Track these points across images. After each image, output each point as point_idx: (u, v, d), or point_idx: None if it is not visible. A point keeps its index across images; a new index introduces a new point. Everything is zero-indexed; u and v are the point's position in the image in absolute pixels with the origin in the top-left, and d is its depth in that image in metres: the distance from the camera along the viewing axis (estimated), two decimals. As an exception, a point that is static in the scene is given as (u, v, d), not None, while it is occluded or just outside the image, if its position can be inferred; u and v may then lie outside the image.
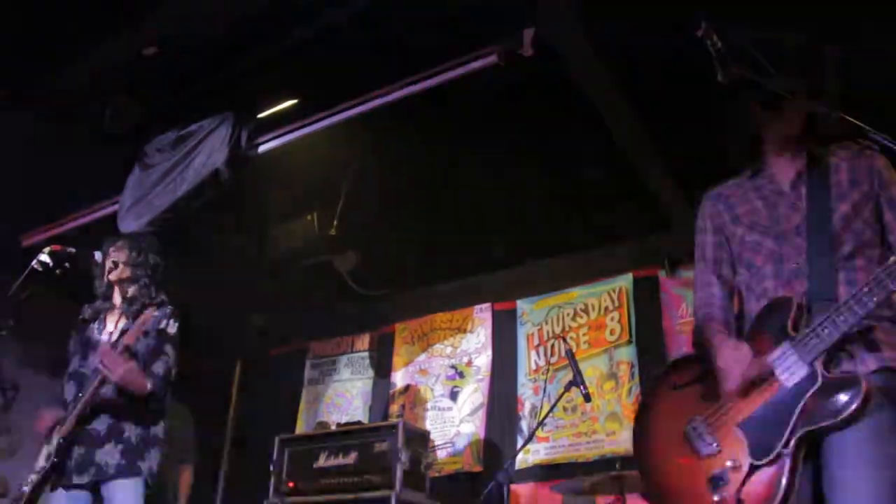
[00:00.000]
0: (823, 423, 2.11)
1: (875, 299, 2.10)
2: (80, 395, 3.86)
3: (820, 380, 2.15)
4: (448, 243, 6.36)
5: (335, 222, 5.89)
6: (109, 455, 3.81)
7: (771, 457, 2.15)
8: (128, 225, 5.08)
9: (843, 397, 2.09)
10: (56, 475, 3.79)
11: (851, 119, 2.16)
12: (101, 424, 3.86)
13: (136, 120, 4.94)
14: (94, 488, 3.81)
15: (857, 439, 2.10)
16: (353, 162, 5.55)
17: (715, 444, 2.30)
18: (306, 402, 7.59)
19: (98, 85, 4.68)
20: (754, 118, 2.53)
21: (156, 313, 4.01)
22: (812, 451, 2.18)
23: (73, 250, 4.03)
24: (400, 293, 7.29)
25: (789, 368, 2.21)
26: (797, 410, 2.15)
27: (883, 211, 2.37)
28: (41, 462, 3.87)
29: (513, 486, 5.92)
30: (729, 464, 2.22)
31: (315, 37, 4.35)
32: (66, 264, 4.02)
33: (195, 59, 4.51)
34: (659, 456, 2.47)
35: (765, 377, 2.27)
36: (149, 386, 3.84)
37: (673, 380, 2.55)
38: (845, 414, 2.07)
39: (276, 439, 5.98)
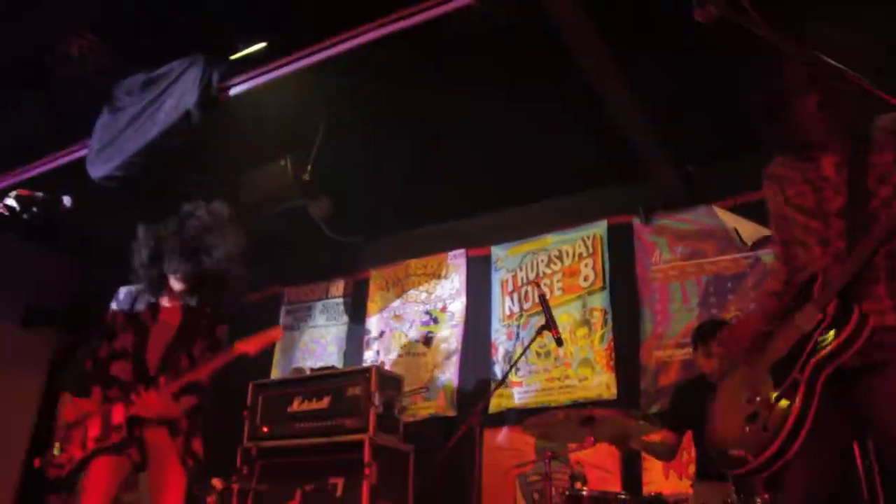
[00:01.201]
0: (824, 351, 2.36)
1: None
2: (142, 379, 3.95)
3: (827, 318, 2.38)
4: (423, 189, 6.33)
5: (309, 167, 5.83)
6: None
7: (788, 383, 2.40)
8: (97, 169, 5.01)
9: (842, 329, 2.34)
10: (112, 447, 3.88)
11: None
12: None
13: (104, 62, 4.82)
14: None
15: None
16: (327, 106, 5.48)
17: (751, 391, 2.55)
18: (281, 349, 7.59)
19: (64, 25, 4.56)
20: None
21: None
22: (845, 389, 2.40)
23: (41, 194, 3.94)
24: (374, 239, 7.28)
25: (808, 317, 2.44)
26: (810, 344, 2.40)
27: None
28: (95, 432, 3.92)
29: (486, 431, 5.98)
30: (758, 399, 2.49)
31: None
32: (34, 209, 3.93)
33: (163, -1, 4.41)
34: (719, 410, 2.74)
35: (792, 332, 2.49)
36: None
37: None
38: (841, 343, 2.33)
39: (250, 385, 6.00)
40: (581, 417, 4.23)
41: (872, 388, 2.36)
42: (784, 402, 2.40)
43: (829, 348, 2.34)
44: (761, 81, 2.62)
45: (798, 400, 2.36)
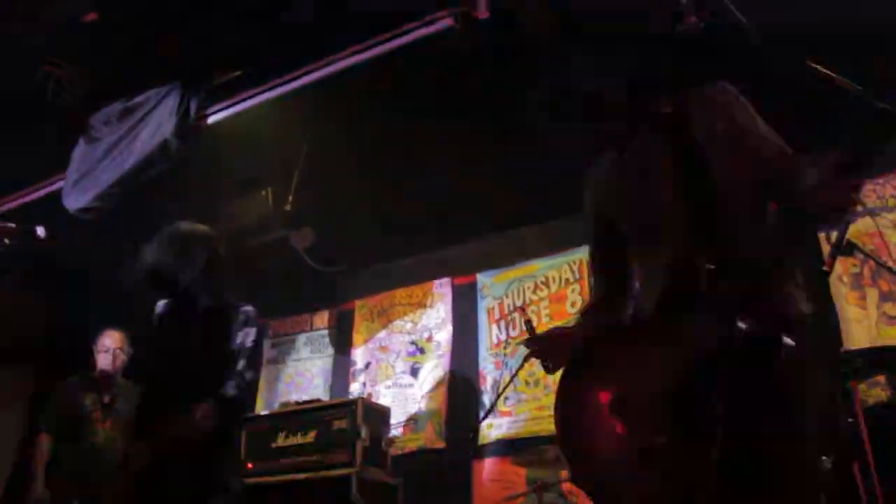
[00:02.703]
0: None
1: None
2: None
3: (734, 349, 2.01)
4: (406, 218, 6.27)
5: (290, 197, 5.76)
6: None
7: (701, 425, 2.00)
8: (73, 201, 4.92)
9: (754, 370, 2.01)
10: None
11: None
12: None
13: (80, 91, 4.74)
14: None
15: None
16: (308, 134, 5.42)
17: (635, 417, 2.13)
18: (266, 382, 7.46)
19: (37, 55, 4.49)
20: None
21: None
22: None
23: (13, 225, 3.86)
24: (358, 269, 7.20)
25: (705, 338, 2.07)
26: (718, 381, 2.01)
27: (745, 159, 2.26)
28: None
29: (476, 462, 5.87)
30: (654, 437, 2.07)
31: (264, 3, 4.22)
32: (6, 240, 3.84)
33: (139, 26, 4.33)
34: (584, 432, 2.26)
35: (684, 351, 2.11)
36: None
37: (588, 357, 2.35)
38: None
39: (234, 419, 5.87)
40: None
41: None
42: (688, 448, 2.01)
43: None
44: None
45: (712, 448, 1.96)
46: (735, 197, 2.23)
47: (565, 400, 2.35)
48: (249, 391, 3.92)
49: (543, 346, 2.48)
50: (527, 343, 2.54)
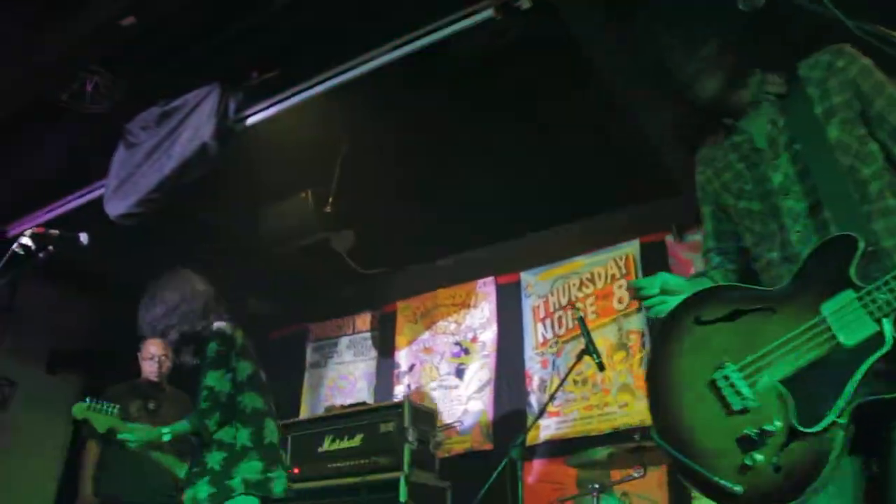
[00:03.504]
0: (890, 395, 1.80)
1: None
2: None
3: (890, 343, 1.80)
4: (448, 217, 6.18)
5: (331, 199, 5.69)
6: None
7: (822, 426, 1.81)
8: (114, 207, 4.89)
9: None
10: None
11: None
12: None
13: (117, 96, 4.71)
14: None
15: None
16: (347, 135, 5.36)
17: (752, 399, 1.95)
18: (309, 386, 7.43)
19: (73, 60, 4.46)
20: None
21: None
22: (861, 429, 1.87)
23: (56, 232, 3.83)
24: (400, 270, 7.13)
25: (851, 324, 1.86)
26: (858, 375, 1.81)
27: (874, 129, 2.06)
28: None
29: (525, 463, 5.76)
30: (769, 426, 1.89)
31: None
32: (50, 247, 3.81)
33: (177, 28, 4.28)
34: (680, 401, 2.11)
35: (818, 330, 1.91)
36: None
37: (696, 313, 2.14)
38: None
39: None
40: (627, 448, 4.04)
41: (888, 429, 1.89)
42: (806, 447, 1.84)
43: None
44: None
45: (835, 454, 1.80)
46: (862, 171, 2.05)
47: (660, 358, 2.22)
48: (240, 401, 3.86)
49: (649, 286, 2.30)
50: (633, 283, 2.38)
